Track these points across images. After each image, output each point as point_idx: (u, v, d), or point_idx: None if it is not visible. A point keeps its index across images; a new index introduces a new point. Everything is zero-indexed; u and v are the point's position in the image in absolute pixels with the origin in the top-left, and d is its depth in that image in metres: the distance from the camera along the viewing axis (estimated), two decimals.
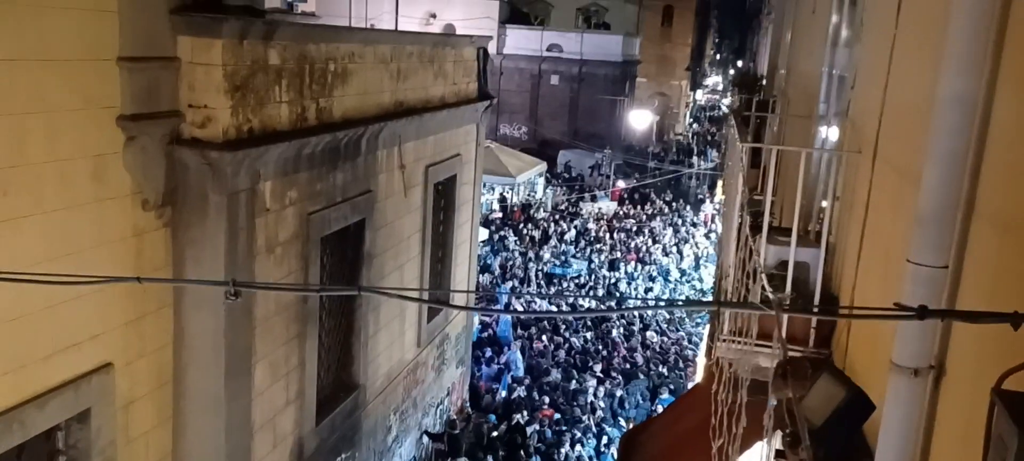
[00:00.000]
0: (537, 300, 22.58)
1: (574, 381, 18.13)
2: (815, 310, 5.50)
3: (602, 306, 22.06)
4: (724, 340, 6.01)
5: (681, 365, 19.91)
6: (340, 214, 10.23)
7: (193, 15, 7.60)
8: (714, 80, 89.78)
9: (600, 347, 20.42)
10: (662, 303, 23.23)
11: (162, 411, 8.12)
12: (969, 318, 2.56)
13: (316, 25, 14.60)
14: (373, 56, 10.80)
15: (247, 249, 8.31)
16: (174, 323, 8.08)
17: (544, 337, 20.22)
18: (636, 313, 22.06)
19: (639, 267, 28.07)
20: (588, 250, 28.89)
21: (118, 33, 7.03)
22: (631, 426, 15.24)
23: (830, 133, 7.66)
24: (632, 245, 30.26)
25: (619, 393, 17.87)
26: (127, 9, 7.06)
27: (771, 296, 4.61)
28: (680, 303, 20.87)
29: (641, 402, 17.71)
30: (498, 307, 21.35)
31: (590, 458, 15.38)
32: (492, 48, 18.11)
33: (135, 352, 7.66)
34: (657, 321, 22.62)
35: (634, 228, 32.60)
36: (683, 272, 28.53)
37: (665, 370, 19.47)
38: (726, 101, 63.76)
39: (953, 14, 3.43)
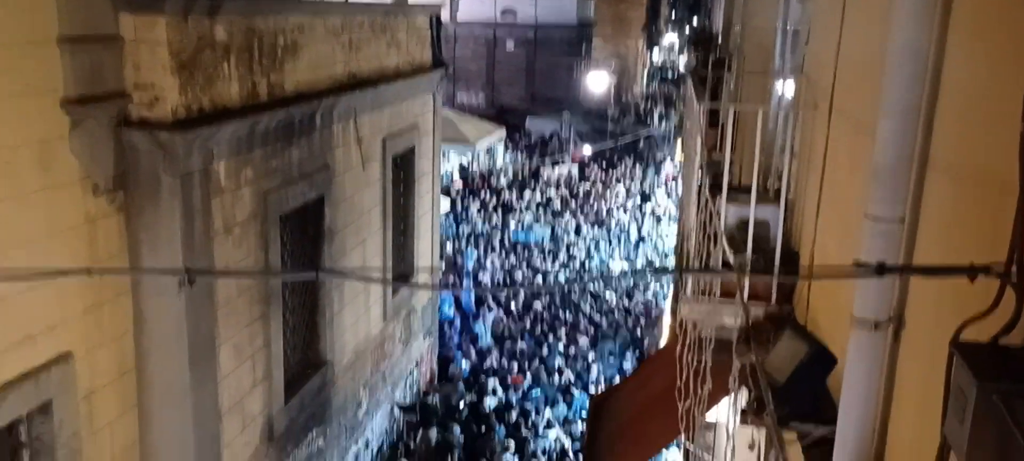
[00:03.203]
0: (499, 270, 22.57)
1: (542, 346, 18.21)
2: (779, 270, 5.51)
3: (565, 280, 22.08)
4: (688, 301, 6.03)
5: (647, 324, 20.02)
6: (298, 191, 10.09)
7: None
8: (671, 39, 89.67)
9: (567, 312, 20.48)
10: (626, 273, 23.25)
11: (126, 399, 7.99)
12: (926, 272, 2.57)
13: None
14: (323, 27, 10.60)
15: (204, 231, 8.16)
16: (134, 309, 7.92)
17: (512, 304, 20.24)
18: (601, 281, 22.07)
19: (599, 230, 28.11)
20: (549, 214, 28.86)
21: (57, 13, 6.78)
22: (600, 390, 15.35)
23: (786, 89, 7.67)
24: (593, 208, 30.29)
25: (590, 355, 17.97)
26: None
27: (732, 260, 4.62)
28: (644, 271, 20.86)
29: (612, 359, 17.83)
30: (461, 286, 21.27)
31: (560, 421, 15.47)
32: (445, 15, 17.92)
33: (95, 341, 7.50)
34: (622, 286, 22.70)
35: (594, 191, 32.61)
36: (641, 238, 28.62)
37: (628, 331, 19.60)
38: (683, 60, 63.77)
39: None
